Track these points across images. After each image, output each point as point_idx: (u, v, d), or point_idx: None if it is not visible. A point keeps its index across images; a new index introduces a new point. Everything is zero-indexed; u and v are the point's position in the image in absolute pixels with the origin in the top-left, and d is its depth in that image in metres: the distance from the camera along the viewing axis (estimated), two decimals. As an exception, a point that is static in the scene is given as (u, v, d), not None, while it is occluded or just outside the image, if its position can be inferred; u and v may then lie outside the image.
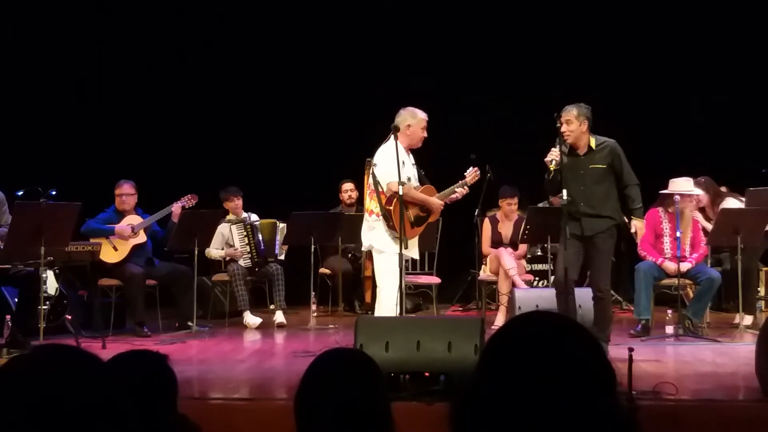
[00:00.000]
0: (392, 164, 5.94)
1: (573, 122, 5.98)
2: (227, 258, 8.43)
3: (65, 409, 1.16)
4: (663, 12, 9.80)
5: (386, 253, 6.06)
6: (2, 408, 1.15)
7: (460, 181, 6.41)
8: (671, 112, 9.83)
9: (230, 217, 8.50)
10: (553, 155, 5.94)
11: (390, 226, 6.04)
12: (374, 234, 6.14)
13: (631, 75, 9.80)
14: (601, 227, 5.98)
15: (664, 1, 9.85)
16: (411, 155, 6.32)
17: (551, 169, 5.97)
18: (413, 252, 6.43)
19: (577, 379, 1.25)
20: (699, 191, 7.62)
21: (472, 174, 6.49)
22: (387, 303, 5.95)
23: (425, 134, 6.29)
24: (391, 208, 6.03)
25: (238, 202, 8.54)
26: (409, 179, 6.16)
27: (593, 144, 6.04)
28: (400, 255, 5.80)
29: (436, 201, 6.31)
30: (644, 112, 9.81)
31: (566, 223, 5.97)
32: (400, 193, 5.83)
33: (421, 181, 6.38)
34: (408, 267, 7.09)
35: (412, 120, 6.22)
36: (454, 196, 6.40)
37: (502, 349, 1.32)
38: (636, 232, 6.33)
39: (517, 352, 1.28)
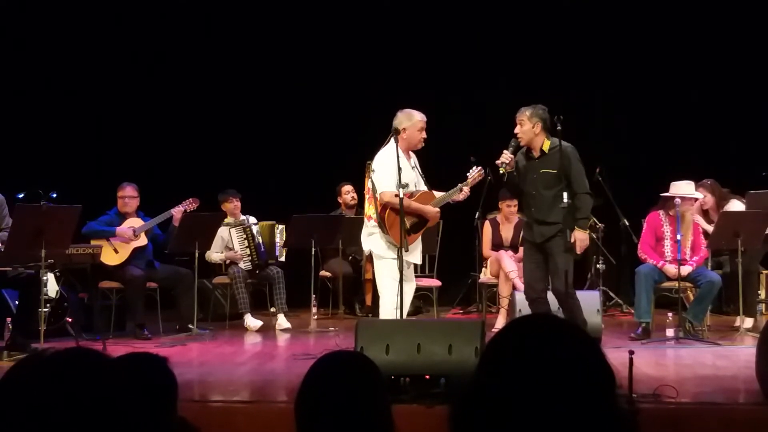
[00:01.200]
0: (388, 171, 5.93)
1: (525, 123, 5.87)
2: (227, 261, 8.43)
3: (70, 411, 1.16)
4: (665, 14, 9.80)
5: (386, 259, 6.06)
6: (7, 409, 1.16)
7: (459, 184, 6.25)
8: (672, 115, 9.83)
9: (228, 220, 8.50)
10: (502, 158, 5.85)
11: (385, 233, 6.05)
12: (373, 239, 6.14)
13: (632, 77, 9.81)
14: (550, 233, 5.85)
15: (666, 4, 9.85)
16: (413, 158, 6.25)
17: (501, 171, 5.88)
18: (414, 257, 6.29)
19: (577, 381, 1.25)
20: (700, 194, 7.62)
21: (474, 175, 6.28)
22: (388, 308, 5.95)
23: (424, 135, 6.14)
24: (385, 216, 6.04)
25: (237, 204, 8.55)
26: (407, 185, 6.06)
27: (546, 147, 5.89)
28: (400, 259, 5.79)
29: (431, 210, 6.15)
30: (645, 114, 9.82)
31: (528, 229, 6.00)
32: (401, 195, 5.81)
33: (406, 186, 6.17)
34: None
35: (408, 122, 6.10)
36: (455, 197, 6.27)
37: (502, 352, 1.32)
38: (575, 243, 5.84)
39: (517, 354, 1.29)
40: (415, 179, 6.17)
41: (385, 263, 6.06)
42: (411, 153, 6.25)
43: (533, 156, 5.95)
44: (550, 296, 6.08)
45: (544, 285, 6.05)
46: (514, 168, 5.97)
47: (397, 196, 5.85)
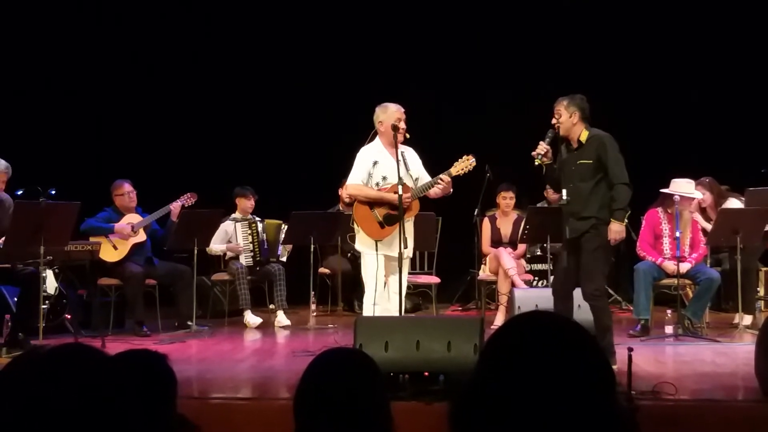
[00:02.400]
0: (358, 164, 6.03)
1: (563, 113, 5.69)
2: (228, 254, 8.43)
3: (66, 408, 1.16)
4: (664, 11, 9.79)
5: (367, 254, 6.09)
6: (4, 406, 1.16)
7: (442, 174, 6.02)
8: (671, 112, 9.83)
9: (236, 215, 8.52)
10: (538, 149, 5.71)
11: (358, 226, 6.08)
12: (357, 237, 6.19)
13: (631, 74, 9.80)
14: (584, 228, 5.63)
15: (666, 3, 9.84)
16: (401, 152, 6.03)
17: (536, 163, 5.73)
18: (394, 250, 5.91)
19: (576, 379, 1.25)
20: (699, 195, 7.61)
21: (460, 164, 6.05)
22: (365, 303, 6.03)
23: (402, 126, 5.99)
24: (353, 209, 6.13)
25: (252, 203, 8.58)
26: (384, 178, 6.02)
27: (583, 138, 5.69)
28: (400, 255, 5.77)
29: (392, 197, 5.88)
30: (644, 111, 9.81)
31: (565, 224, 5.88)
32: (400, 192, 5.79)
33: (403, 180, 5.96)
34: (407, 267, 7.03)
35: (383, 115, 6.05)
36: (437, 188, 6.01)
37: (502, 349, 1.32)
38: (610, 235, 5.57)
39: (517, 352, 1.29)
40: (402, 174, 5.92)
41: (366, 259, 6.10)
42: (404, 147, 6.12)
43: (571, 147, 5.76)
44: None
45: (572, 285, 5.75)
46: (553, 160, 5.81)
47: (351, 195, 5.85)
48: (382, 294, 6.02)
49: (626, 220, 5.72)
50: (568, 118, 5.69)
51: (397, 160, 5.90)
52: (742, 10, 9.65)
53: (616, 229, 5.57)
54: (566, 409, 1.22)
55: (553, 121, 5.75)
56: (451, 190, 6.08)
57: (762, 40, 9.59)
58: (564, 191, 5.76)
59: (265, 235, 8.52)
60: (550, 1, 10.00)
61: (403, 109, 6.08)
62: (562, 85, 9.07)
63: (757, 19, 9.59)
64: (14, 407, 1.15)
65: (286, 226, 8.49)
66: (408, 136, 6.08)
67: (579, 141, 5.71)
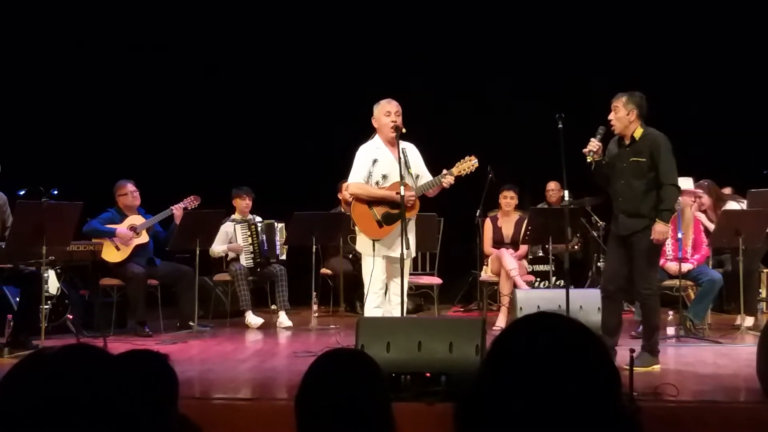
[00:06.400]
0: (357, 163, 6.00)
1: (620, 110, 5.64)
2: (229, 254, 8.42)
3: (73, 408, 1.17)
4: (667, 13, 9.79)
5: (366, 257, 6.07)
6: (12, 407, 1.16)
7: (444, 171, 5.98)
8: (673, 113, 9.80)
9: (236, 216, 8.52)
10: (590, 146, 5.65)
11: (355, 226, 6.06)
12: (358, 239, 6.16)
13: (632, 75, 9.76)
14: (637, 226, 5.60)
15: (667, 3, 9.84)
16: (403, 150, 5.93)
17: (588, 160, 5.67)
18: (394, 251, 5.90)
19: (581, 380, 1.24)
20: (700, 191, 7.62)
21: (462, 165, 6.00)
22: (367, 305, 6.00)
23: (392, 119, 5.92)
24: (351, 208, 6.12)
25: (249, 203, 8.56)
26: (384, 177, 5.98)
27: (637, 135, 5.65)
28: (402, 257, 5.76)
29: (394, 195, 5.81)
30: (646, 113, 9.80)
31: (614, 220, 5.81)
32: (402, 193, 5.77)
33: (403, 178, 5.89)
34: (409, 268, 7.01)
35: (376, 111, 6.03)
36: (443, 184, 5.96)
37: (507, 350, 1.32)
38: (655, 238, 5.54)
39: (522, 352, 1.28)
40: (403, 172, 5.85)
41: (365, 261, 6.08)
42: (405, 144, 6.06)
43: (624, 144, 5.72)
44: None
45: (623, 282, 5.74)
46: (603, 156, 5.75)
47: (353, 194, 5.83)
48: (383, 297, 6.01)
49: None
50: (625, 114, 5.66)
51: (399, 159, 5.87)
52: (743, 13, 9.63)
53: (661, 230, 5.56)
54: (571, 410, 1.22)
55: (610, 116, 5.70)
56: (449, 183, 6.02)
57: (764, 42, 9.58)
58: (566, 192, 5.76)
59: (265, 235, 8.51)
60: (552, 6, 9.99)
61: (395, 102, 6.03)
62: (566, 86, 9.13)
63: (759, 21, 9.58)
64: (23, 406, 1.16)
65: (281, 225, 8.50)
66: (404, 130, 5.99)
67: (633, 138, 5.69)
